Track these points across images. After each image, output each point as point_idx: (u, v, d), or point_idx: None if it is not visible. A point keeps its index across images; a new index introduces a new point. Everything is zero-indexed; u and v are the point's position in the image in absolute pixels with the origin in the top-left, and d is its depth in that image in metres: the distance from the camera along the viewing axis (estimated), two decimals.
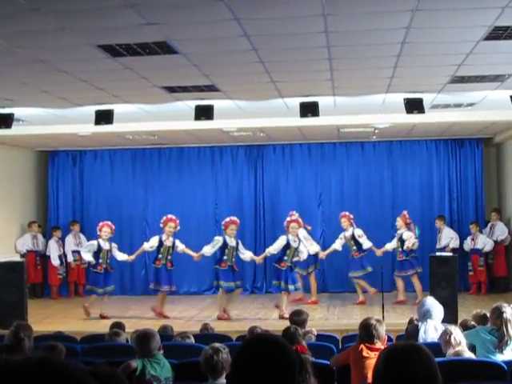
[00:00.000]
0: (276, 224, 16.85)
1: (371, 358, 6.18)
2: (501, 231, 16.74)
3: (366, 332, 6.56)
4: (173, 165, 18.43)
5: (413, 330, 8.04)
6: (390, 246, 15.51)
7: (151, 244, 14.38)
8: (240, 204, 18.03)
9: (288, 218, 14.32)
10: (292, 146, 18.12)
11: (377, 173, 17.93)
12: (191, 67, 9.44)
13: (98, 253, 14.33)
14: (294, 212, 15.40)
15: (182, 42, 8.25)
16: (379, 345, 6.47)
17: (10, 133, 13.24)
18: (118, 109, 12.26)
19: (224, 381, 5.47)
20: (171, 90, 11.13)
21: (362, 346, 6.49)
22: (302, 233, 15.21)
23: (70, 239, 17.81)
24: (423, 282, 15.46)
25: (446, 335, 6.76)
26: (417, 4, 6.79)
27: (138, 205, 18.32)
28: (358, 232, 15.46)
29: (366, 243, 15.37)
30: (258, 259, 14.58)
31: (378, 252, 15.47)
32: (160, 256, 14.18)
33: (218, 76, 10.24)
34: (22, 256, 16.64)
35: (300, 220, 14.36)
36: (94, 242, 14.47)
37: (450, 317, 9.86)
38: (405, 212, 15.61)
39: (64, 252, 17.75)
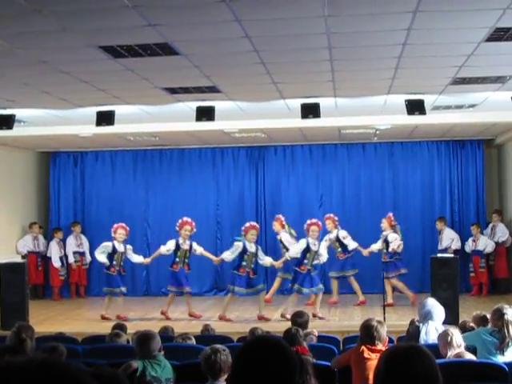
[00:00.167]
0: None
1: (372, 360, 6.18)
2: (502, 232, 16.73)
3: (367, 333, 6.56)
4: (174, 166, 18.43)
5: (414, 331, 8.03)
6: (376, 246, 15.43)
7: (168, 247, 14.21)
8: (241, 205, 18.03)
9: (308, 221, 14.25)
10: (293, 147, 18.12)
11: (378, 174, 17.93)
12: (192, 68, 9.44)
13: (112, 255, 14.23)
14: (280, 216, 15.45)
15: (184, 44, 8.26)
16: (380, 346, 6.47)
17: (11, 134, 13.24)
18: (119, 110, 12.27)
19: (224, 383, 5.47)
20: (172, 91, 11.14)
21: (363, 347, 6.48)
22: (285, 236, 15.26)
23: (71, 240, 17.82)
24: (425, 283, 15.51)
25: (447, 336, 6.75)
26: (418, 5, 6.80)
27: (139, 206, 18.32)
28: (343, 233, 15.44)
29: (352, 244, 15.35)
30: (278, 264, 14.41)
31: (365, 252, 15.46)
32: (177, 260, 14.06)
33: (220, 77, 10.25)
34: (23, 257, 16.64)
35: (319, 222, 14.28)
36: (109, 244, 14.34)
37: (451, 318, 9.85)
38: (390, 214, 15.58)
39: (65, 253, 17.75)
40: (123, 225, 14.59)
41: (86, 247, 18.07)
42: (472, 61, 9.26)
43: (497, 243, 16.65)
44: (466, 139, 17.59)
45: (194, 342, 8.23)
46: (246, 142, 17.62)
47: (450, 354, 6.63)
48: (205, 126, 13.12)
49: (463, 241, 16.96)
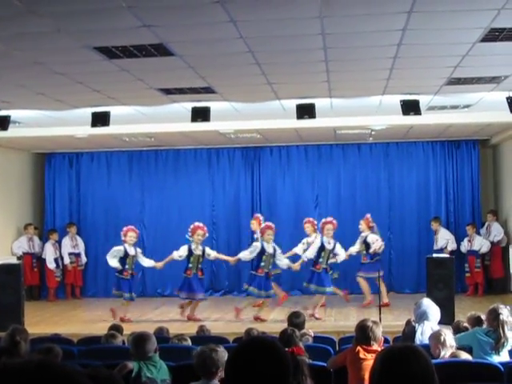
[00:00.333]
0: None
1: (368, 360, 6.18)
2: (497, 231, 16.75)
3: (363, 334, 6.56)
4: (169, 167, 18.42)
5: (410, 331, 8.03)
6: (354, 249, 15.30)
7: (180, 253, 14.01)
8: (237, 206, 18.03)
9: (323, 220, 14.26)
10: (289, 147, 18.13)
11: (373, 174, 17.94)
12: (188, 69, 9.45)
13: (124, 258, 14.04)
14: (259, 215, 15.43)
15: (179, 44, 8.26)
16: (376, 346, 6.47)
17: (6, 135, 13.25)
18: (115, 111, 12.26)
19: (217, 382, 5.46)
20: (168, 91, 11.14)
21: (358, 347, 6.48)
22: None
23: (66, 241, 17.80)
24: (421, 282, 15.53)
25: (440, 336, 6.76)
26: (413, 6, 6.81)
27: (134, 207, 18.30)
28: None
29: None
30: (295, 266, 14.29)
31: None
32: (190, 265, 13.86)
33: (215, 78, 10.25)
34: (18, 258, 16.60)
35: (334, 221, 14.26)
36: (120, 248, 14.11)
37: (447, 318, 9.87)
38: (368, 215, 15.53)
39: (60, 254, 17.73)
40: (133, 227, 14.41)
41: (81, 248, 18.06)
42: (467, 61, 9.28)
43: (492, 243, 16.68)
44: (461, 139, 17.62)
45: (189, 342, 8.23)
46: (241, 143, 17.62)
47: (443, 353, 6.64)
48: (200, 126, 13.11)
49: (459, 241, 16.98)
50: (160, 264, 14.40)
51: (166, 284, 17.65)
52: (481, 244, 16.60)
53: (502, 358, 7.06)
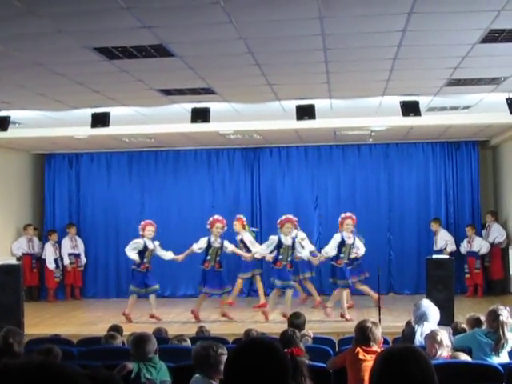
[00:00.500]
0: (273, 226, 16.79)
1: (368, 361, 6.18)
2: (498, 233, 16.74)
3: (362, 335, 6.56)
4: (169, 167, 18.43)
5: (409, 332, 8.04)
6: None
7: (200, 245, 13.98)
8: (236, 207, 18.01)
9: (342, 215, 14.19)
10: (288, 148, 18.14)
11: (373, 175, 17.94)
12: (187, 70, 9.45)
13: (143, 252, 14.02)
14: (241, 216, 15.43)
15: (178, 45, 8.26)
16: (375, 347, 6.47)
17: (6, 135, 13.24)
18: (115, 111, 12.26)
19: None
20: (167, 92, 11.14)
21: (358, 348, 6.48)
22: (247, 236, 15.36)
23: (66, 242, 17.80)
24: (420, 284, 15.53)
25: (436, 336, 6.77)
26: (413, 7, 6.81)
27: (134, 207, 18.29)
28: (301, 235, 15.36)
29: (308, 246, 15.07)
30: (315, 261, 14.27)
31: (320, 257, 14.78)
32: (209, 258, 13.83)
33: (215, 79, 10.25)
34: (18, 259, 16.60)
35: (353, 216, 14.22)
36: (140, 241, 14.10)
37: (446, 319, 9.85)
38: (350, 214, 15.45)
39: (60, 255, 17.73)
40: (151, 221, 14.36)
41: (81, 249, 18.06)
42: (467, 62, 9.28)
43: (492, 244, 16.68)
44: (461, 140, 17.62)
45: (189, 343, 8.22)
46: (241, 144, 17.62)
47: (440, 353, 6.64)
48: (200, 127, 13.11)
49: (458, 242, 16.98)
50: (180, 257, 14.32)
51: (166, 285, 17.65)
52: (480, 245, 16.60)
53: (501, 359, 7.06)
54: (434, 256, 13.61)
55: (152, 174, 18.42)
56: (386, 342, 7.64)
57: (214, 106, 11.92)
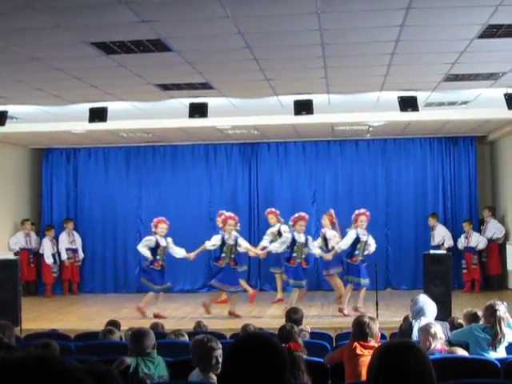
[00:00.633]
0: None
1: (365, 356, 6.19)
2: (496, 229, 16.76)
3: (360, 330, 6.57)
4: (167, 163, 18.42)
5: (407, 327, 8.04)
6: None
7: (213, 242, 13.88)
8: (234, 202, 18.01)
9: (356, 212, 14.06)
10: (286, 143, 18.13)
11: (371, 171, 17.95)
12: (185, 65, 9.44)
13: (155, 249, 13.86)
14: (224, 211, 15.42)
15: (176, 40, 8.25)
16: (373, 342, 6.47)
17: (3, 130, 13.23)
18: (112, 106, 12.25)
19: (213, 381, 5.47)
20: (165, 87, 11.13)
21: (355, 343, 6.49)
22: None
23: (63, 237, 17.79)
24: (417, 279, 15.55)
25: (430, 329, 6.79)
26: (411, 2, 6.81)
27: (131, 202, 18.30)
28: (284, 228, 15.34)
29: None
30: (328, 256, 14.12)
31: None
32: (223, 255, 13.69)
33: (212, 74, 10.24)
34: (15, 254, 16.60)
35: (367, 212, 14.07)
36: (152, 238, 13.95)
37: (444, 315, 9.86)
38: (331, 210, 15.37)
39: (58, 250, 17.72)
40: (164, 219, 14.18)
41: (78, 244, 18.06)
42: (465, 58, 9.29)
43: (489, 240, 16.70)
44: (458, 136, 17.63)
45: (186, 338, 8.23)
46: (238, 139, 17.62)
47: (434, 345, 6.66)
48: (198, 122, 13.12)
49: (455, 237, 17.00)
50: (192, 255, 14.24)
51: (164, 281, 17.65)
52: (478, 240, 16.62)
53: (498, 354, 7.07)
54: (432, 251, 13.62)
55: (149, 169, 18.42)
56: (383, 337, 7.64)
57: (212, 101, 11.92)
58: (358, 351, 6.41)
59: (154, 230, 14.05)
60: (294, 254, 13.59)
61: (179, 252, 14.19)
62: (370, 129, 16.00)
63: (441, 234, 16.89)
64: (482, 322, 7.72)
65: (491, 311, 7.28)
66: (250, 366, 2.66)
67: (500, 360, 6.48)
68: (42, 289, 17.84)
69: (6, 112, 12.31)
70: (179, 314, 13.98)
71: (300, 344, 6.79)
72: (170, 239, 14.13)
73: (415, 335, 7.69)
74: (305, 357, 6.41)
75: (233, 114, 14.13)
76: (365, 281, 13.60)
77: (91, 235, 18.41)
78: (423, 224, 17.34)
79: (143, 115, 14.00)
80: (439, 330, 6.86)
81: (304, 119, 12.77)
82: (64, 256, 17.68)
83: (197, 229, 17.08)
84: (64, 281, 17.97)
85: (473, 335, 7.28)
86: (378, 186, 17.92)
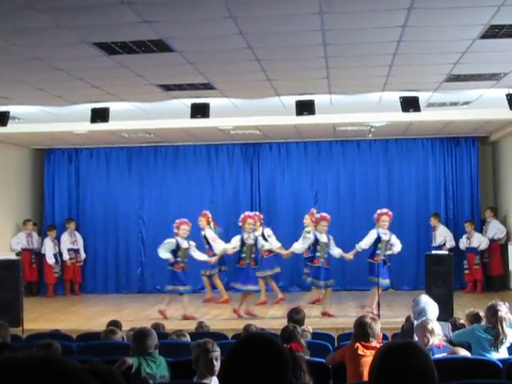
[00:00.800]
0: (272, 222, 16.83)
1: (367, 356, 6.19)
2: (497, 229, 16.75)
3: (362, 330, 6.56)
4: (169, 163, 18.43)
5: (408, 328, 8.04)
6: (298, 245, 15.22)
7: (233, 245, 13.83)
8: (236, 202, 18.02)
9: (378, 211, 14.08)
10: (288, 144, 18.13)
11: (373, 171, 17.95)
12: (187, 65, 9.44)
13: (176, 251, 13.72)
14: (207, 212, 15.44)
15: (178, 40, 8.25)
16: (375, 343, 6.47)
17: (5, 131, 13.24)
18: (114, 107, 12.25)
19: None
20: (167, 88, 11.13)
21: (357, 344, 6.48)
22: (210, 233, 15.36)
23: (65, 237, 17.79)
24: (419, 279, 15.54)
25: (427, 325, 6.79)
26: (413, 2, 6.80)
27: (133, 203, 18.31)
28: (268, 232, 15.32)
29: (274, 243, 15.00)
30: (348, 256, 14.05)
31: (287, 252, 14.63)
32: (244, 255, 13.62)
33: (214, 74, 10.24)
34: (17, 254, 16.61)
35: (389, 212, 14.09)
36: (172, 240, 13.81)
37: (446, 315, 9.86)
38: (313, 210, 15.34)
39: (59, 250, 17.73)
40: (186, 220, 14.09)
41: (80, 244, 18.07)
42: (467, 58, 9.28)
43: (491, 240, 16.69)
44: (460, 136, 17.62)
45: (188, 339, 8.23)
46: (240, 139, 17.62)
47: (432, 341, 6.66)
48: (199, 122, 13.12)
49: (457, 238, 16.98)
50: (213, 259, 14.25)
51: (165, 280, 17.67)
52: (480, 241, 16.61)
53: (500, 354, 7.07)
54: (434, 252, 13.62)
55: (151, 169, 18.43)
56: (385, 337, 7.65)
57: (214, 102, 11.92)
58: (360, 352, 6.41)
59: (175, 231, 13.95)
60: (318, 254, 13.57)
61: (201, 256, 14.13)
62: (372, 129, 15.99)
63: (442, 235, 16.88)
64: (484, 322, 7.72)
65: (493, 312, 7.28)
66: (252, 366, 2.66)
67: (502, 360, 6.48)
68: (44, 289, 17.85)
69: (8, 112, 12.31)
70: (181, 314, 13.95)
71: (302, 345, 6.78)
72: (192, 242, 14.04)
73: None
74: (307, 357, 6.41)
75: (235, 115, 14.13)
76: (384, 281, 13.52)
77: (93, 235, 18.42)
78: (425, 224, 17.34)
79: (145, 116, 14.00)
80: (436, 325, 6.88)
81: (306, 119, 12.77)
82: (66, 256, 17.68)
83: (198, 229, 17.05)
84: (66, 281, 17.98)
85: (475, 336, 7.28)
86: (380, 187, 17.92)
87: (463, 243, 16.82)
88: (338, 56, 9.20)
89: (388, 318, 12.01)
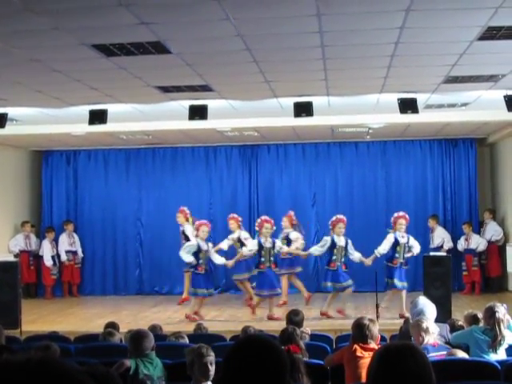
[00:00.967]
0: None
1: (365, 358, 6.19)
2: (494, 231, 16.76)
3: (360, 332, 6.57)
4: (167, 165, 18.42)
5: (407, 329, 8.03)
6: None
7: (250, 248, 13.78)
8: (234, 204, 18.02)
9: (395, 214, 14.07)
10: (286, 145, 18.14)
11: (371, 173, 17.95)
12: (185, 67, 9.44)
13: (197, 253, 13.56)
14: (185, 208, 15.43)
15: (176, 42, 8.26)
16: (373, 344, 6.48)
17: (3, 132, 13.22)
18: (112, 108, 12.25)
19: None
20: (165, 89, 11.13)
21: (355, 345, 6.49)
22: (189, 229, 15.31)
23: (63, 238, 17.77)
24: (417, 281, 15.53)
25: (421, 324, 6.80)
26: (411, 4, 6.81)
27: (131, 205, 18.30)
28: (245, 235, 15.29)
29: (251, 245, 14.65)
30: (367, 261, 13.95)
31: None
32: (263, 259, 13.51)
33: (212, 76, 10.25)
34: (15, 256, 16.61)
35: (406, 215, 14.08)
36: (194, 243, 13.69)
37: (444, 317, 9.86)
38: (291, 212, 15.36)
39: (57, 252, 17.71)
40: (205, 222, 14.04)
41: (78, 246, 18.05)
42: (464, 59, 9.29)
43: (489, 242, 16.69)
44: (458, 138, 17.62)
45: (186, 340, 8.23)
46: (238, 141, 17.62)
47: (427, 340, 6.67)
48: (198, 124, 13.13)
49: (455, 239, 16.99)
50: (231, 262, 14.13)
51: (164, 282, 17.68)
52: (478, 242, 16.62)
53: (498, 356, 7.07)
54: (432, 253, 13.62)
55: (149, 171, 18.42)
56: (383, 339, 7.65)
57: (212, 103, 11.92)
58: (358, 353, 6.42)
59: (195, 232, 13.92)
60: (334, 257, 13.52)
61: (219, 259, 14.04)
62: (370, 131, 16.00)
63: (440, 236, 16.88)
64: (482, 324, 7.72)
65: (491, 313, 7.29)
66: (250, 367, 2.67)
67: (500, 362, 6.49)
68: (42, 291, 17.83)
69: (6, 114, 12.31)
70: (179, 316, 13.95)
71: (301, 346, 6.79)
72: (210, 244, 13.98)
73: None
74: (305, 359, 6.41)
75: (233, 116, 14.13)
76: (402, 283, 13.54)
77: (91, 237, 18.40)
78: (423, 226, 17.32)
79: (143, 117, 14.00)
80: (431, 324, 6.88)
81: (304, 121, 12.77)
82: (64, 257, 17.65)
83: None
84: (64, 283, 17.96)
85: (473, 337, 7.28)
86: (378, 188, 17.92)
87: (461, 245, 16.83)
88: (336, 58, 9.20)
89: (386, 320, 12.01)
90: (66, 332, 10.77)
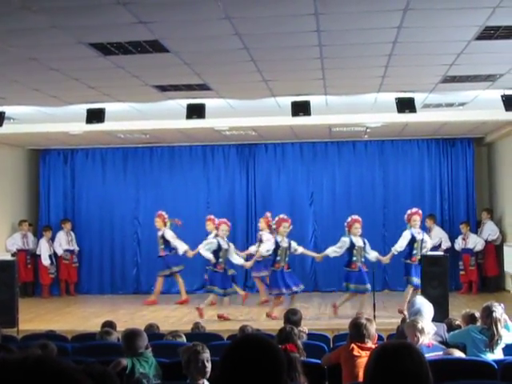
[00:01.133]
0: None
1: (362, 357, 6.19)
2: (491, 230, 16.78)
3: (357, 331, 6.57)
4: (164, 164, 18.42)
5: (404, 329, 8.05)
6: (253, 248, 15.12)
7: (267, 248, 13.70)
8: (232, 203, 18.03)
9: (408, 211, 14.05)
10: (284, 145, 18.14)
11: (368, 172, 17.96)
12: (183, 66, 9.44)
13: (217, 252, 13.57)
14: (163, 212, 15.61)
15: (174, 41, 8.25)
16: (370, 344, 6.48)
17: (0, 131, 13.21)
18: (110, 107, 12.25)
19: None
20: (163, 88, 11.13)
21: (352, 345, 6.49)
22: (169, 233, 15.50)
23: (61, 235, 17.72)
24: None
25: (417, 324, 6.80)
26: (408, 4, 6.81)
27: (129, 204, 18.30)
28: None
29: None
30: (385, 259, 13.96)
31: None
32: (278, 258, 13.42)
33: (210, 75, 10.24)
34: (13, 255, 16.58)
35: (420, 211, 14.08)
36: (214, 241, 13.71)
37: (441, 316, 9.86)
38: (268, 214, 15.26)
39: (55, 251, 17.68)
40: (225, 220, 13.99)
41: (75, 244, 18.03)
42: (462, 59, 9.29)
43: (486, 241, 16.71)
44: (456, 137, 17.63)
45: (184, 339, 8.22)
46: (236, 140, 17.62)
47: (422, 341, 6.67)
48: (195, 123, 13.12)
49: (453, 239, 17.00)
50: (249, 263, 14.19)
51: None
52: (475, 242, 16.63)
53: (496, 355, 7.08)
54: (429, 253, 13.63)
55: (147, 170, 18.42)
56: (380, 338, 7.65)
57: (210, 102, 11.92)
58: (355, 352, 6.42)
59: (215, 231, 13.89)
60: (354, 258, 13.47)
61: (238, 259, 14.02)
62: (368, 130, 16.01)
63: (437, 236, 16.88)
64: (479, 323, 7.73)
65: (488, 313, 7.29)
66: (247, 366, 2.66)
67: (497, 361, 6.49)
68: (39, 290, 17.81)
69: (4, 113, 12.30)
70: (177, 314, 13.96)
71: (299, 346, 6.79)
72: (232, 245, 13.97)
73: None
74: (303, 358, 6.41)
75: (230, 115, 14.13)
76: (417, 280, 13.38)
77: (88, 236, 18.39)
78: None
79: (141, 116, 14.00)
80: (426, 324, 6.88)
81: (301, 120, 12.78)
82: (60, 252, 17.59)
83: (194, 230, 17.04)
84: (61, 282, 17.95)
85: (470, 337, 7.29)
86: (376, 188, 17.93)
87: (459, 244, 16.85)
88: (334, 57, 9.20)
89: (383, 319, 12.01)
90: (63, 331, 10.75)
